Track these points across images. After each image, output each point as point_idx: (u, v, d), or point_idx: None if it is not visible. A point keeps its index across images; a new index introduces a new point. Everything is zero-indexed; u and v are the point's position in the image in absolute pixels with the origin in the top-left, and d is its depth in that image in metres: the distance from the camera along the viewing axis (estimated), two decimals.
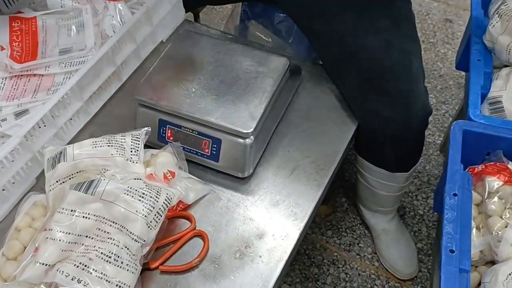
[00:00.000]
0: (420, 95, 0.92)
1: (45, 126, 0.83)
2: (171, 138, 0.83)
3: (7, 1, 1.04)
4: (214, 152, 0.80)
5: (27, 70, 0.95)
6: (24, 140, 0.78)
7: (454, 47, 1.77)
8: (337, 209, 1.37)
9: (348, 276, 1.25)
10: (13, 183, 0.80)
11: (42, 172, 0.83)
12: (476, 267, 0.75)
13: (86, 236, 0.65)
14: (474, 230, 0.74)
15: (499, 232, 0.70)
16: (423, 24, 1.86)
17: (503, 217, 0.71)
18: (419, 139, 1.01)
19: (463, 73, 1.61)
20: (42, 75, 0.95)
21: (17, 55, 0.97)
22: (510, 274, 0.65)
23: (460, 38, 1.51)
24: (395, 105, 0.90)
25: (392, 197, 1.16)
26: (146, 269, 0.71)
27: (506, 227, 0.70)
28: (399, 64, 0.90)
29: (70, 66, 0.95)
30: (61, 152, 0.74)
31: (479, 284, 0.71)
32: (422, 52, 1.66)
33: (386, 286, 1.23)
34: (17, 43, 0.98)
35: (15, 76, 0.95)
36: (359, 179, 1.15)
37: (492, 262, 0.72)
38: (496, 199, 0.73)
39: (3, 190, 0.78)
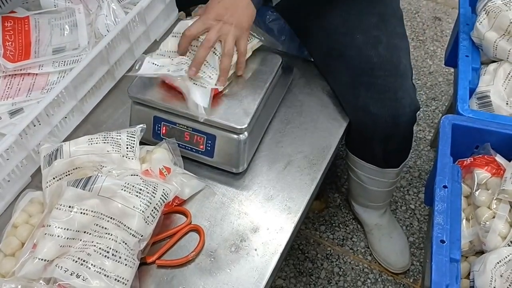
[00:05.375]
0: (408, 91, 0.94)
1: (40, 124, 0.83)
2: (166, 135, 0.84)
3: (0, 1, 1.04)
4: (209, 148, 0.82)
5: (21, 70, 0.95)
6: (19, 139, 0.79)
7: (443, 44, 1.79)
8: (330, 205, 1.39)
9: (342, 270, 1.27)
10: (8, 181, 0.80)
11: (37, 170, 0.84)
12: (466, 257, 0.77)
13: (84, 232, 0.66)
14: (463, 221, 0.76)
15: (487, 223, 0.72)
16: (413, 22, 1.88)
17: (491, 208, 0.73)
18: (408, 134, 1.03)
19: (452, 69, 1.64)
20: (36, 74, 0.95)
21: (10, 54, 0.97)
22: (498, 263, 0.67)
23: (449, 36, 1.53)
24: (384, 101, 0.92)
25: (383, 193, 1.18)
26: (143, 263, 0.72)
27: (493, 217, 0.72)
28: (387, 60, 0.92)
29: (64, 65, 0.96)
30: (57, 149, 0.74)
31: (469, 273, 0.73)
32: (412, 50, 1.68)
33: (379, 279, 1.25)
34: (10, 43, 0.98)
35: (9, 75, 0.95)
36: (350, 175, 1.17)
37: (482, 252, 0.74)
38: (484, 190, 0.75)
39: None
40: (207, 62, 0.81)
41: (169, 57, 0.84)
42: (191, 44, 0.82)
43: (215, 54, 0.81)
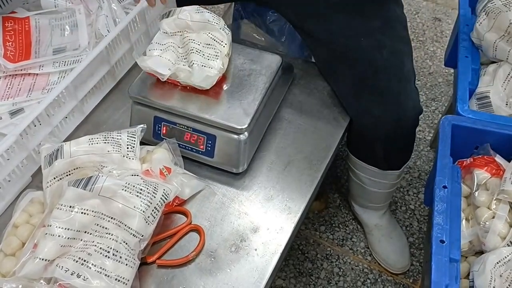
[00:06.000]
0: (411, 95, 0.94)
1: (40, 124, 0.83)
2: (166, 135, 0.84)
3: (0, 1, 1.05)
4: (209, 148, 0.82)
5: (21, 70, 0.96)
6: (19, 139, 0.79)
7: (443, 45, 1.79)
8: (330, 205, 1.39)
9: (342, 270, 1.27)
10: (9, 181, 0.80)
11: (38, 170, 0.84)
12: (466, 257, 0.77)
13: (85, 232, 0.66)
14: (463, 222, 0.76)
15: (487, 223, 0.72)
16: (413, 23, 1.89)
17: (490, 208, 0.73)
18: (410, 137, 1.03)
19: (452, 70, 1.64)
20: (37, 74, 0.95)
21: (11, 54, 0.97)
22: (497, 263, 0.67)
23: (449, 37, 1.54)
24: (387, 104, 0.92)
25: (383, 194, 1.18)
26: (143, 263, 0.72)
27: (493, 218, 0.72)
28: (390, 64, 0.92)
29: (64, 65, 0.96)
30: (58, 149, 0.74)
31: (469, 273, 0.73)
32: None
33: (378, 280, 1.25)
34: (10, 43, 0.99)
35: (9, 75, 0.95)
36: (350, 177, 1.17)
37: (481, 253, 0.74)
38: (484, 190, 0.75)
39: None
40: None
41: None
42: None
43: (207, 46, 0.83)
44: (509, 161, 0.77)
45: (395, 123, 0.93)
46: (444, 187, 0.72)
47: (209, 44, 0.84)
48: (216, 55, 0.83)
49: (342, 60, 0.94)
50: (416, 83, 0.97)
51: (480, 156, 0.79)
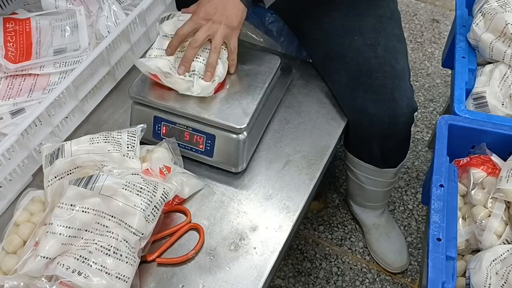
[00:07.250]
0: (405, 92, 0.95)
1: (41, 124, 0.84)
2: (166, 134, 0.85)
3: (1, 2, 1.05)
4: (208, 148, 0.82)
5: (22, 70, 0.96)
6: (20, 138, 0.80)
7: (441, 46, 1.80)
8: (328, 205, 1.40)
9: (340, 270, 1.28)
10: (10, 180, 0.81)
11: (39, 170, 0.85)
12: (463, 255, 0.78)
13: (86, 230, 0.67)
14: (460, 220, 0.77)
15: (483, 221, 0.73)
16: (411, 24, 1.90)
17: (486, 206, 0.74)
18: (406, 135, 1.04)
19: (450, 71, 1.65)
20: (37, 74, 0.96)
21: (12, 55, 0.98)
22: (493, 261, 0.68)
23: (447, 38, 1.55)
24: (382, 102, 0.93)
25: (381, 193, 1.19)
26: (143, 261, 0.72)
27: (489, 216, 0.73)
28: (385, 62, 0.93)
29: (65, 66, 0.97)
30: (59, 148, 0.75)
31: (465, 272, 0.74)
32: (410, 52, 1.68)
33: (377, 279, 1.26)
34: (11, 44, 0.99)
35: (10, 76, 0.96)
36: (349, 175, 1.18)
37: (478, 251, 0.75)
38: (480, 189, 0.76)
39: (0, 187, 0.79)
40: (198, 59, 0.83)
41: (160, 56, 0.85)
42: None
43: (206, 52, 0.83)
44: (505, 160, 0.78)
45: (390, 120, 0.94)
46: (441, 185, 0.73)
47: (208, 47, 0.85)
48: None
49: (337, 59, 0.95)
50: (414, 84, 0.98)
51: (476, 155, 0.80)
